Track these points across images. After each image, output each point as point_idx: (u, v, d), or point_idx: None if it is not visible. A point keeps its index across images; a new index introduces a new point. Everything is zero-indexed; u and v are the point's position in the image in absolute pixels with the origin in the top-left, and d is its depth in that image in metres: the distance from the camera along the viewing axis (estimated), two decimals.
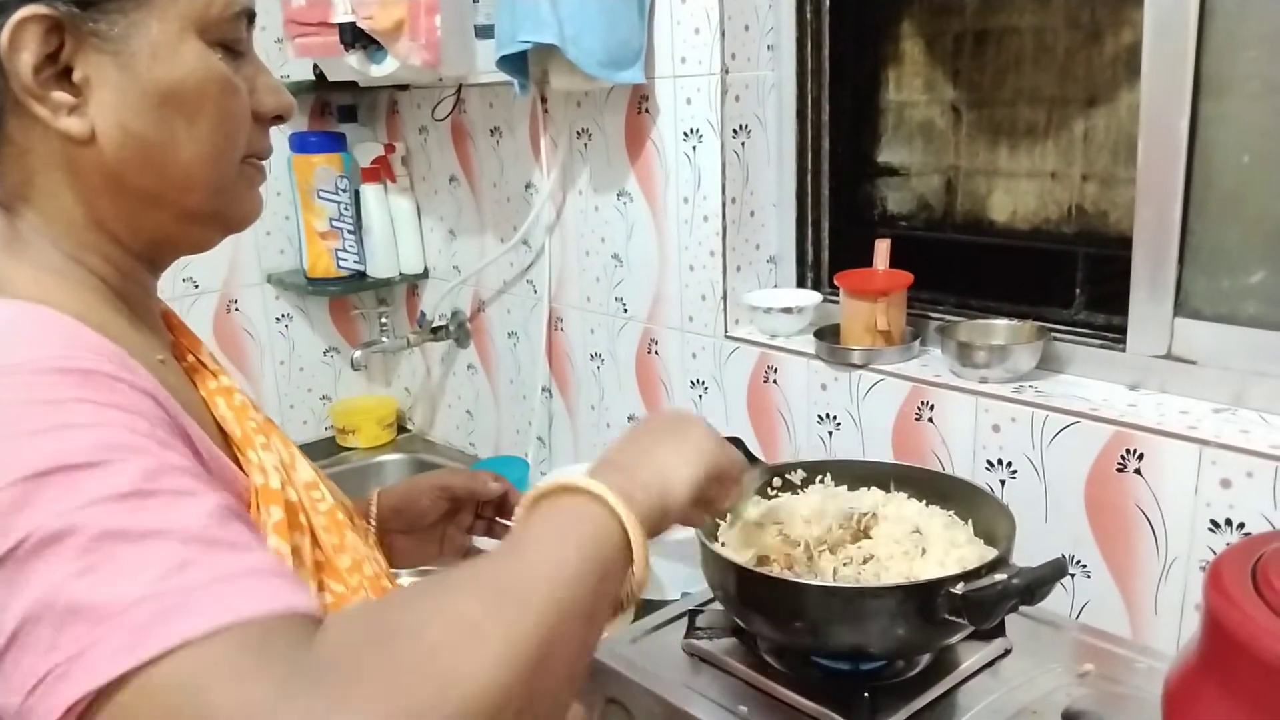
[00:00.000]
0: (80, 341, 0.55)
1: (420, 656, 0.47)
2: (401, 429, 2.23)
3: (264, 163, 0.72)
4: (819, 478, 1.14)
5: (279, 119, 0.70)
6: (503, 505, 1.02)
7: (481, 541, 1.03)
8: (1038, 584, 0.87)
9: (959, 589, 0.87)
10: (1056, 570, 0.89)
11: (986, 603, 0.86)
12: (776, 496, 1.12)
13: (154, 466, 0.50)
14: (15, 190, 0.63)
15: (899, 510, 1.06)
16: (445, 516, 1.00)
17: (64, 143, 0.62)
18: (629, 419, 1.71)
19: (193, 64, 0.63)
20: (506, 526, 1.01)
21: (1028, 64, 1.37)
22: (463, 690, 0.46)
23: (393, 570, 0.86)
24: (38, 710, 0.44)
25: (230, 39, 0.66)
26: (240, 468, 0.66)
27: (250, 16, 0.68)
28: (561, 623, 0.53)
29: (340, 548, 0.71)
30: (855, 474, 1.15)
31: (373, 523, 0.95)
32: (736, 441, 1.15)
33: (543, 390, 1.86)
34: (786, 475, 1.13)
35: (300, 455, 0.75)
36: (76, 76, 0.61)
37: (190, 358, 0.72)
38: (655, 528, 0.67)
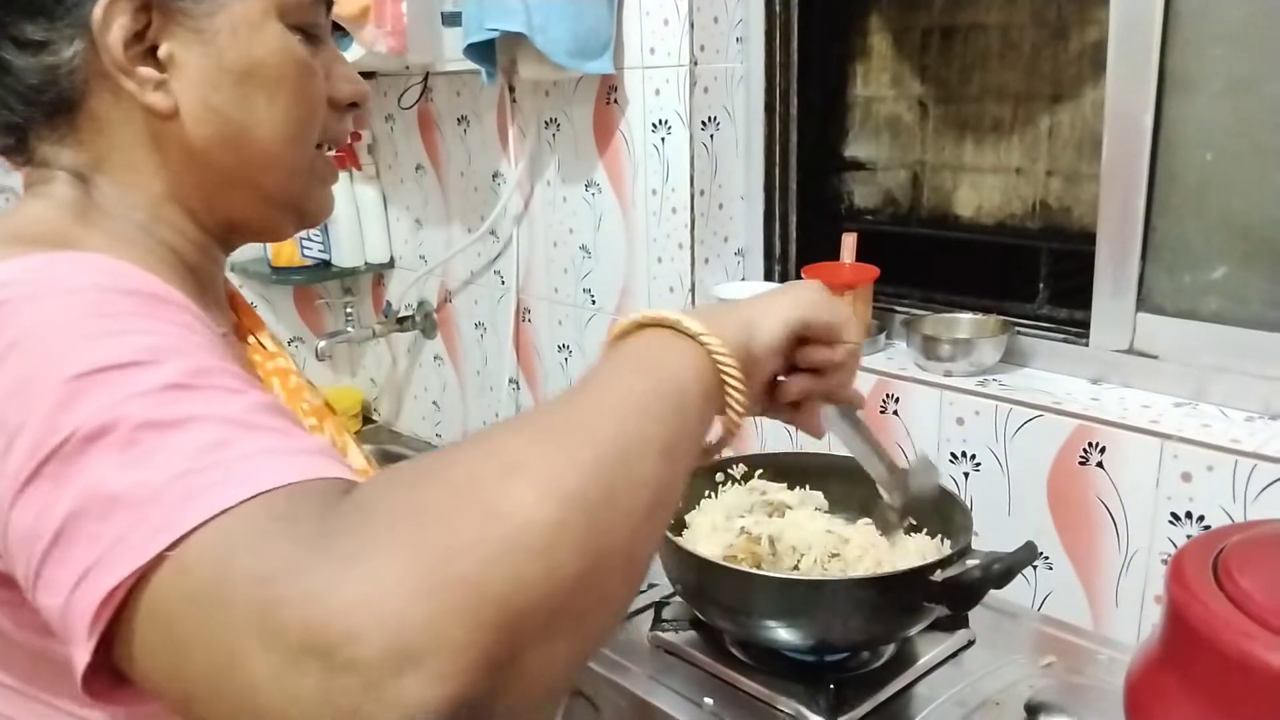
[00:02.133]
0: (149, 279, 0.55)
1: (454, 491, 0.42)
2: (367, 420, 2.21)
3: (334, 159, 0.73)
4: (758, 472, 1.14)
5: (354, 106, 0.71)
6: None
7: None
8: (1015, 567, 0.89)
9: (938, 576, 0.87)
10: (1030, 553, 0.90)
11: (968, 588, 0.87)
12: (724, 489, 1.13)
13: (201, 365, 0.48)
14: (95, 160, 0.65)
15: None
16: None
17: (148, 117, 0.63)
18: None
19: (273, 45, 0.65)
20: None
21: (994, 60, 1.38)
22: (505, 526, 0.40)
23: None
24: (79, 607, 0.42)
25: (309, 24, 0.67)
26: None
27: (328, 4, 0.69)
28: (627, 457, 0.47)
29: None
30: (802, 468, 1.15)
31: None
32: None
33: (510, 382, 1.85)
34: (729, 469, 1.13)
35: (354, 444, 0.74)
36: (162, 53, 0.62)
37: (251, 339, 0.73)
38: (742, 363, 0.59)
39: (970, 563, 0.88)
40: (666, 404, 0.52)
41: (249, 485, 0.42)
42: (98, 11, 0.60)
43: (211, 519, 0.41)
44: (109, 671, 0.43)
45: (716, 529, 1.03)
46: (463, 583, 0.38)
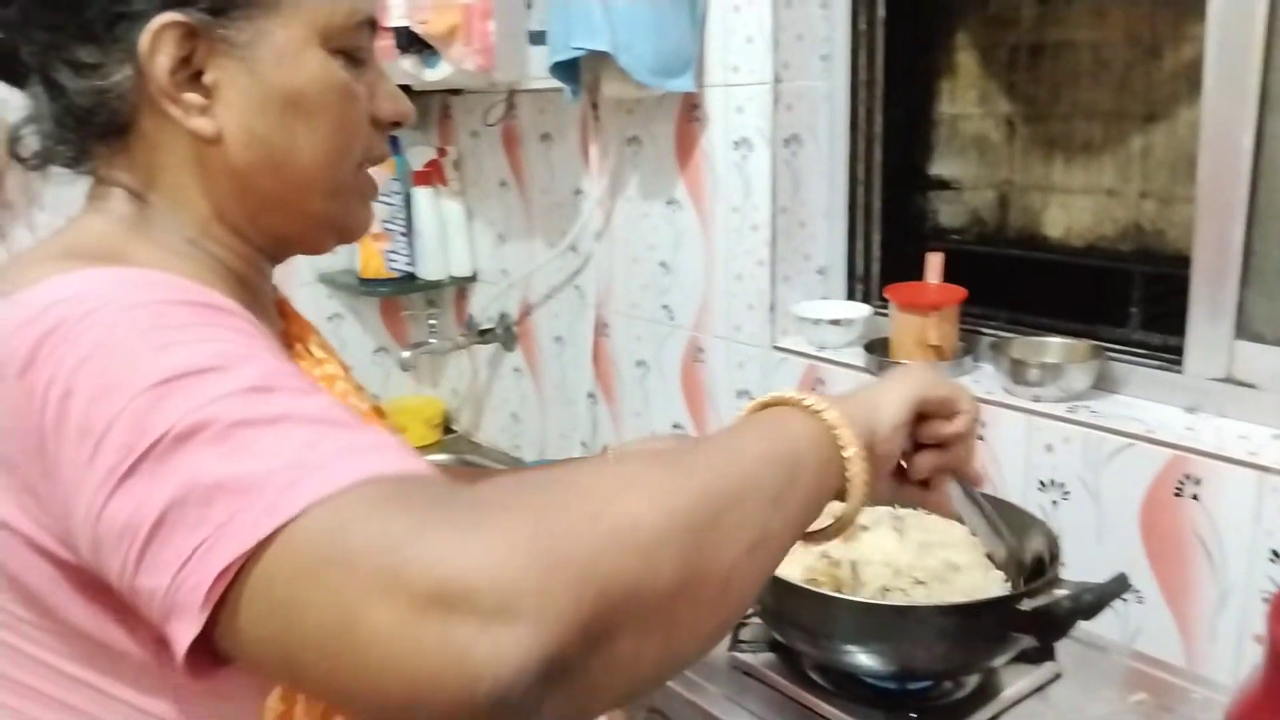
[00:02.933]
0: (202, 290, 0.58)
1: (574, 493, 0.47)
2: (448, 430, 2.24)
3: (372, 175, 0.75)
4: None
5: (396, 125, 0.73)
6: None
7: None
8: (1106, 599, 0.87)
9: (1025, 605, 0.86)
10: (1121, 585, 0.88)
11: (1057, 619, 0.86)
12: None
13: (273, 369, 0.52)
14: (146, 180, 0.67)
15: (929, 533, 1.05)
16: None
17: (193, 141, 0.66)
18: (674, 426, 1.71)
19: (315, 71, 0.66)
20: None
21: (1085, 78, 1.35)
22: (615, 524, 0.45)
23: None
24: (188, 584, 0.45)
25: (352, 47, 0.68)
26: None
27: (373, 26, 0.70)
28: (736, 495, 0.51)
29: None
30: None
31: None
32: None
33: (588, 395, 1.86)
34: None
35: None
36: (207, 79, 0.64)
37: (298, 345, 0.75)
38: (865, 441, 0.63)
39: (1059, 593, 0.86)
40: (780, 462, 0.56)
41: (354, 473, 0.46)
42: (145, 38, 0.62)
43: (321, 501, 0.44)
44: (204, 650, 0.46)
45: (795, 550, 1.02)
46: (571, 562, 0.43)
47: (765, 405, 0.63)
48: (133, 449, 0.47)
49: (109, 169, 0.68)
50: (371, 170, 0.74)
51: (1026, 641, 0.88)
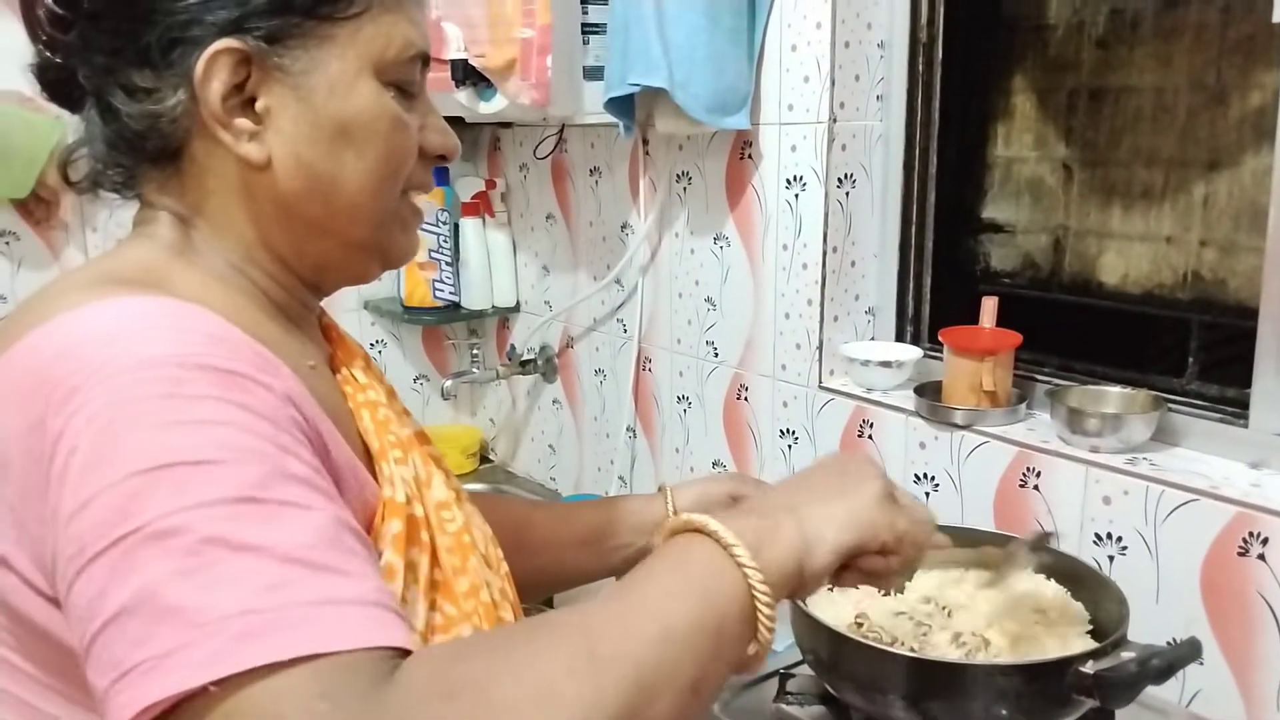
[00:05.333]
0: (225, 341, 0.57)
1: (487, 715, 0.46)
2: (484, 459, 2.24)
3: (421, 203, 0.75)
4: None
5: (443, 159, 0.73)
6: None
7: None
8: (1177, 664, 0.83)
9: (1089, 668, 0.83)
10: (1194, 650, 0.85)
11: (1123, 683, 0.82)
12: None
13: (270, 471, 0.51)
14: (194, 205, 0.68)
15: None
16: None
17: (242, 167, 0.66)
18: (714, 464, 1.69)
19: (366, 101, 0.66)
20: None
21: (1146, 124, 1.34)
22: None
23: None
24: (119, 699, 0.45)
25: (404, 80, 0.68)
26: (376, 479, 0.68)
27: (425, 60, 0.70)
28: (656, 689, 0.51)
29: (461, 570, 0.70)
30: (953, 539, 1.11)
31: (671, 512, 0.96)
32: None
33: (627, 430, 1.85)
34: None
35: (442, 475, 0.75)
36: (259, 106, 0.65)
37: (344, 370, 0.74)
38: (789, 590, 0.62)
39: (1125, 655, 0.83)
40: (705, 638, 0.55)
41: (305, 641, 0.46)
42: (200, 64, 0.62)
43: (265, 668, 0.45)
44: None
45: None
46: None
47: (690, 529, 0.60)
48: (108, 532, 0.48)
49: (157, 194, 0.68)
50: (419, 199, 0.74)
51: (1089, 704, 0.85)
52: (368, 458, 0.69)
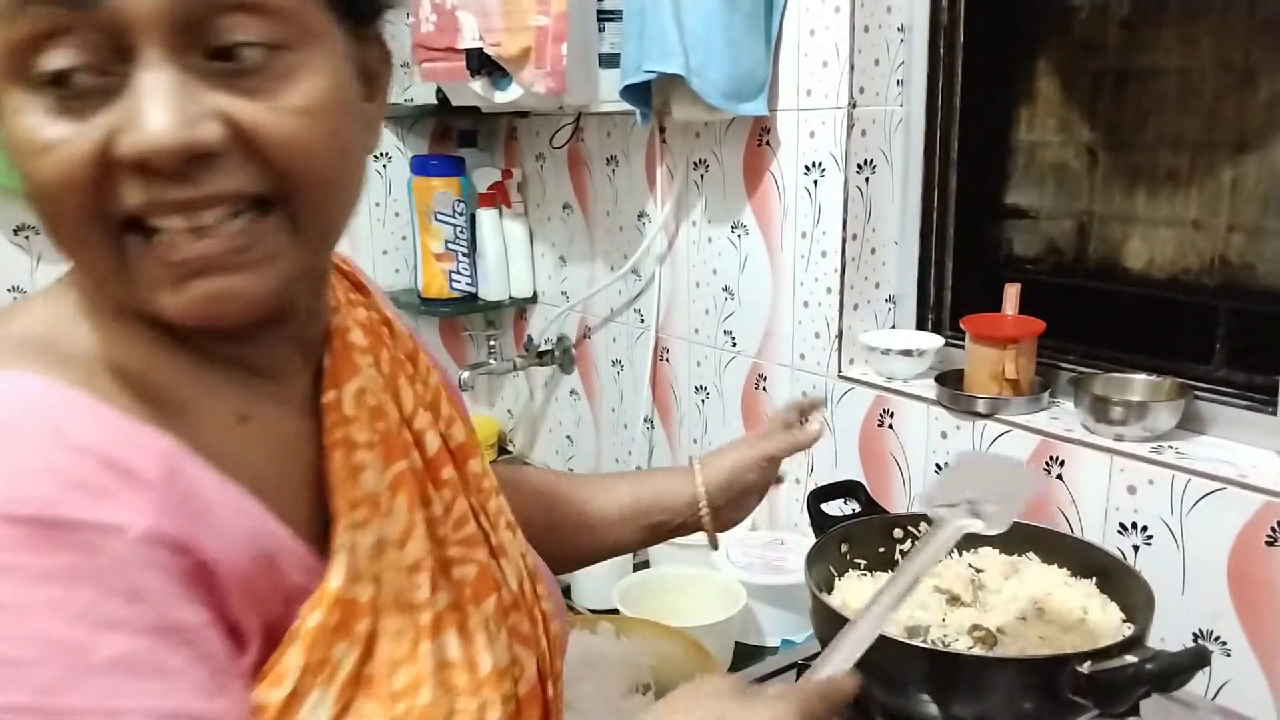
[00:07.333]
0: (79, 459, 0.46)
1: None
2: (502, 450, 2.23)
3: (172, 237, 0.50)
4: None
5: (146, 167, 0.48)
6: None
7: None
8: (1174, 671, 0.80)
9: (1085, 668, 0.80)
10: (1197, 658, 0.81)
11: (1115, 686, 0.79)
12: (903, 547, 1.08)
13: (70, 668, 0.43)
14: None
15: (1025, 575, 1.01)
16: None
17: None
18: None
19: (7, 118, 0.49)
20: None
21: (1172, 106, 1.31)
22: None
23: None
24: None
25: (44, 73, 0.48)
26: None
27: (47, 36, 0.47)
28: None
29: (407, 660, 0.58)
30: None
31: (703, 505, 0.93)
32: (856, 486, 1.11)
33: (645, 420, 1.84)
34: (910, 527, 1.08)
35: (428, 526, 0.64)
36: None
37: (333, 394, 0.62)
38: None
39: (1129, 658, 0.80)
40: None
41: None
42: None
43: None
44: None
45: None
46: None
47: None
48: None
49: None
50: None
51: (1088, 706, 0.82)
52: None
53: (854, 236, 1.43)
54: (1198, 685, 1.07)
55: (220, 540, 0.50)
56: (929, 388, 1.36)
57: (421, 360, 0.74)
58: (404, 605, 0.59)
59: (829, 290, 1.45)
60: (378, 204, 2.07)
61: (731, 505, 0.95)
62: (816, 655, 1.05)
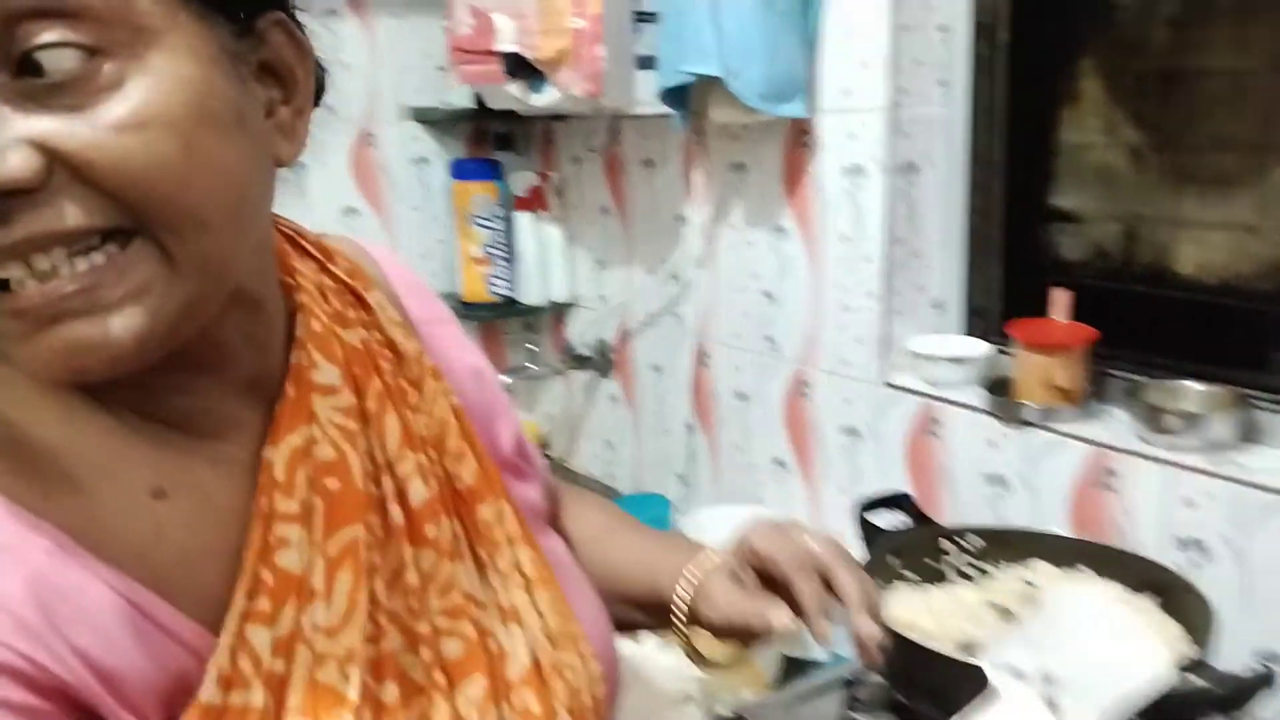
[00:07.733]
0: None
1: None
2: (542, 455, 2.23)
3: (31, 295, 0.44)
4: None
5: None
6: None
7: None
8: (1240, 695, 0.78)
9: None
10: (1263, 681, 0.79)
11: (1177, 709, 0.78)
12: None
13: None
14: None
15: (1080, 590, 0.98)
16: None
17: None
18: (774, 461, 1.66)
19: None
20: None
21: (1222, 107, 1.28)
22: None
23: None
24: None
25: None
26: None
27: None
28: None
29: None
30: (1027, 545, 1.07)
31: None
32: (904, 498, 1.09)
33: (685, 426, 1.82)
34: (958, 540, 1.06)
35: (390, 601, 0.55)
36: None
37: (269, 450, 0.54)
38: None
39: (1192, 679, 0.77)
40: None
41: None
42: None
43: None
44: None
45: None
46: None
47: None
48: None
49: None
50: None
51: None
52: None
53: (897, 240, 1.41)
54: (1262, 708, 1.04)
55: (102, 644, 0.45)
56: (977, 396, 1.33)
57: (429, 387, 0.64)
58: (326, 706, 0.50)
59: (871, 295, 1.43)
60: (415, 208, 2.07)
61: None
62: (864, 671, 1.04)
